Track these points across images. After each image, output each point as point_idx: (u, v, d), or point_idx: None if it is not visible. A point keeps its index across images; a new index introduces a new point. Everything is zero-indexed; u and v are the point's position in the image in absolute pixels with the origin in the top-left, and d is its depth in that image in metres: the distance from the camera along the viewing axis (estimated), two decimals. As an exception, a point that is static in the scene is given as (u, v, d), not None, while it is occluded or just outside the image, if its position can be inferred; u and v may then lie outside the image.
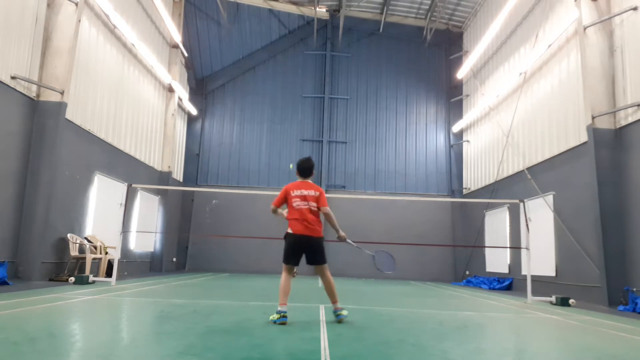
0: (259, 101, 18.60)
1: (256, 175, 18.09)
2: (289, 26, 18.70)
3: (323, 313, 5.42)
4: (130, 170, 12.58)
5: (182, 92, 16.32)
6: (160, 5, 13.05)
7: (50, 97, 8.80)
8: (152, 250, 14.78)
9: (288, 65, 18.85)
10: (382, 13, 18.40)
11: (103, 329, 3.89)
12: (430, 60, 18.97)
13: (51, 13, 9.05)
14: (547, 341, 4.26)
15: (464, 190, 17.76)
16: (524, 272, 11.03)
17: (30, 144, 8.59)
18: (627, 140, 8.64)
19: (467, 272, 16.34)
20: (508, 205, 13.61)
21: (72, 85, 9.43)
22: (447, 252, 17.37)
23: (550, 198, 11.16)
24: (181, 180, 17.52)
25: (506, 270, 13.41)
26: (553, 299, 8.28)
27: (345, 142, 18.32)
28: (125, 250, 12.27)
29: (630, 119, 8.55)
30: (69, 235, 9.52)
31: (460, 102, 18.38)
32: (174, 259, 16.84)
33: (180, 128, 17.46)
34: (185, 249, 17.37)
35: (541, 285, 10.87)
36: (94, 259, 9.75)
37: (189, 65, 17.54)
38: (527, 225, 9.01)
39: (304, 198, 4.74)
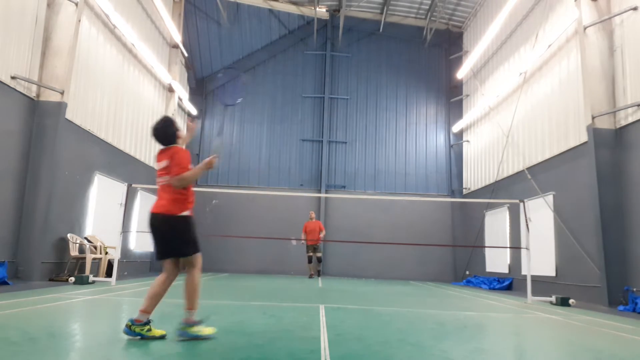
0: (259, 101, 18.60)
1: (256, 175, 18.08)
2: (289, 26, 18.69)
3: (323, 313, 5.42)
4: (130, 170, 12.58)
5: (182, 92, 16.32)
6: (160, 5, 13.05)
7: (50, 97, 8.80)
8: (152, 250, 14.76)
9: (288, 65, 18.85)
10: (382, 13, 18.40)
11: (103, 329, 3.89)
12: (430, 60, 18.97)
13: (51, 13, 9.05)
14: (547, 341, 4.26)
15: (464, 190, 17.76)
16: (524, 272, 11.03)
17: (30, 144, 8.59)
18: (627, 140, 8.64)
19: (467, 272, 16.34)
20: (508, 205, 13.61)
21: (72, 85, 9.43)
22: (447, 252, 17.37)
23: (550, 198, 11.16)
24: (181, 180, 17.49)
25: (506, 270, 13.41)
26: (553, 299, 8.29)
27: (345, 142, 18.32)
28: (125, 250, 12.27)
29: (630, 119, 8.56)
30: (69, 235, 9.52)
31: (460, 102, 18.38)
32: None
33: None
34: (185, 249, 17.32)
35: (541, 285, 10.87)
36: (94, 259, 9.75)
37: (189, 65, 17.54)
38: (527, 225, 9.01)
39: (158, 173, 3.71)
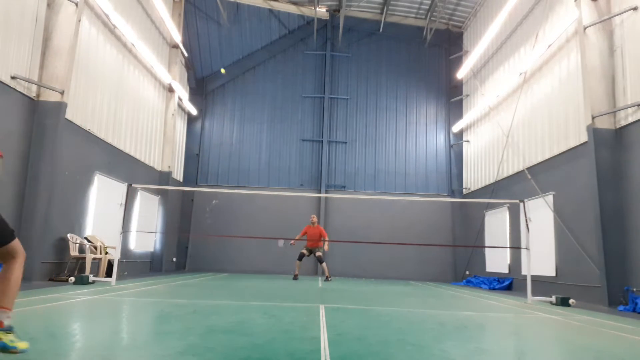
0: (259, 101, 18.61)
1: (256, 175, 18.09)
2: (289, 26, 18.70)
3: (323, 313, 5.42)
4: (130, 170, 12.59)
5: (182, 92, 16.32)
6: (160, 5, 13.05)
7: (50, 97, 8.80)
8: (152, 250, 14.79)
9: (288, 65, 18.86)
10: (382, 13, 18.41)
11: (103, 329, 3.89)
12: (430, 60, 18.97)
13: (51, 13, 9.05)
14: (547, 341, 4.26)
15: (464, 190, 17.76)
16: (524, 272, 11.03)
17: (30, 144, 8.59)
18: (627, 140, 8.64)
19: (467, 272, 16.34)
20: (508, 205, 13.61)
21: (72, 85, 9.43)
22: (447, 252, 17.37)
23: (550, 198, 11.16)
24: (181, 180, 17.52)
25: (506, 270, 13.41)
26: (553, 299, 8.29)
27: (345, 142, 18.33)
28: (125, 250, 12.27)
29: (630, 119, 8.56)
30: (69, 235, 9.52)
31: (460, 102, 18.38)
32: (174, 259, 16.83)
33: (180, 128, 17.47)
34: (185, 249, 17.37)
35: (541, 285, 10.87)
36: (94, 259, 9.75)
37: (189, 65, 17.54)
38: (527, 225, 9.01)
39: None
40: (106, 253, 10.21)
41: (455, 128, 18.26)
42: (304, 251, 13.05)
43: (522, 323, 5.58)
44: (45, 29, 8.94)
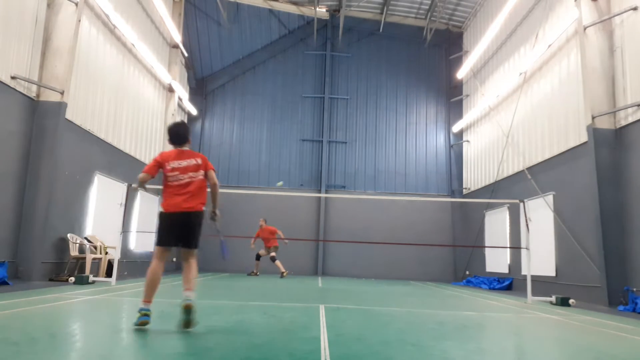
0: (259, 101, 18.60)
1: (256, 175, 18.08)
2: (289, 26, 18.69)
3: (323, 313, 5.42)
4: (130, 170, 12.57)
5: (182, 92, 16.32)
6: (160, 5, 13.05)
7: (50, 97, 8.80)
8: (152, 250, 14.77)
9: (288, 65, 18.85)
10: (382, 13, 18.40)
11: (103, 329, 3.89)
12: (430, 60, 18.97)
13: (51, 13, 9.04)
14: (547, 341, 4.26)
15: (463, 190, 17.76)
16: (524, 272, 11.03)
17: (31, 144, 8.59)
18: (627, 140, 8.64)
19: (467, 272, 16.34)
20: (508, 205, 13.61)
21: (72, 85, 9.42)
22: (447, 252, 17.37)
23: (550, 198, 11.16)
24: (181, 180, 17.48)
25: (506, 270, 13.41)
26: (553, 299, 8.29)
27: (345, 142, 18.32)
28: (125, 250, 12.26)
29: (630, 119, 8.56)
30: (69, 235, 9.52)
31: (460, 102, 18.38)
32: (174, 259, 16.82)
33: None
34: (185, 249, 17.33)
35: (541, 285, 10.87)
36: (94, 259, 9.75)
37: (189, 65, 17.54)
38: (527, 225, 9.01)
39: (183, 170, 4.14)
40: (106, 253, 10.21)
41: (455, 128, 18.25)
42: (263, 251, 14.15)
43: (522, 323, 5.58)
44: (45, 29, 8.94)
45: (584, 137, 9.60)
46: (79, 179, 10.15)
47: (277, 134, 18.39)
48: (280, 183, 7.80)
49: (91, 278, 8.42)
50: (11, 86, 8.00)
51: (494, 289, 12.95)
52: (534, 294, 8.85)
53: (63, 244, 9.44)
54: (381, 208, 17.50)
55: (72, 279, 8.16)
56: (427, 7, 17.89)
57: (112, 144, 11.65)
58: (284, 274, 13.51)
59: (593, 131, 8.98)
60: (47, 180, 8.61)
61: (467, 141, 17.80)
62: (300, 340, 3.59)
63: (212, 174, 4.32)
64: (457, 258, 17.25)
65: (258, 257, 14.19)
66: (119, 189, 11.04)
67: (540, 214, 11.33)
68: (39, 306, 5.03)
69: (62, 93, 8.86)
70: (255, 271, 14.16)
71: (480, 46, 14.86)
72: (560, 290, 10.03)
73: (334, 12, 18.75)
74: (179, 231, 4.17)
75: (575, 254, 9.98)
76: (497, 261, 14.19)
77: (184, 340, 3.38)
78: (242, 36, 18.22)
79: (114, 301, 5.95)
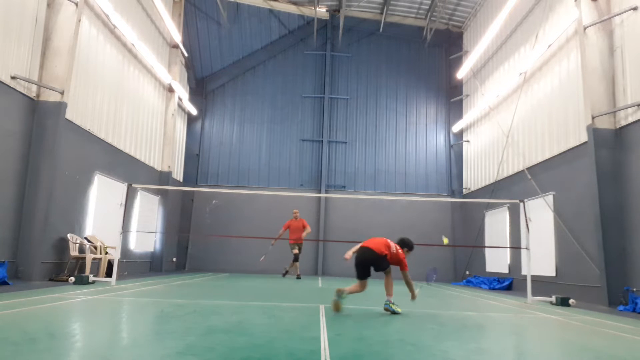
0: (259, 101, 18.61)
1: (256, 175, 18.08)
2: (289, 26, 18.69)
3: (323, 313, 5.42)
4: (130, 170, 12.58)
5: (182, 92, 16.32)
6: (160, 5, 13.05)
7: (50, 97, 8.80)
8: (152, 250, 14.78)
9: (288, 65, 18.85)
10: (382, 13, 18.40)
11: (103, 329, 3.89)
12: (430, 60, 18.97)
13: (51, 13, 9.05)
14: (547, 341, 4.26)
15: (464, 190, 17.76)
16: (524, 272, 11.03)
17: (30, 144, 8.59)
18: (627, 140, 8.64)
19: (467, 272, 16.34)
20: (508, 205, 13.61)
21: (72, 85, 9.43)
22: (447, 252, 17.37)
23: (550, 198, 11.16)
24: (181, 180, 17.52)
25: (506, 270, 13.41)
26: (553, 299, 8.29)
27: (345, 142, 18.32)
28: (125, 250, 12.26)
29: (630, 119, 8.56)
30: (69, 235, 9.52)
31: (460, 102, 18.38)
32: (174, 259, 16.84)
33: (180, 128, 17.47)
34: (185, 249, 17.37)
35: (541, 285, 10.87)
36: (94, 259, 9.75)
37: (189, 65, 17.54)
38: (527, 225, 9.01)
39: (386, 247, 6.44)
40: (106, 253, 10.21)
41: (455, 128, 18.25)
42: (296, 250, 13.29)
43: (522, 323, 5.58)
44: (45, 29, 8.94)
45: (584, 137, 9.60)
46: (79, 179, 10.16)
47: (277, 134, 18.39)
48: (446, 240, 7.50)
49: (91, 278, 8.42)
50: (11, 86, 8.01)
51: (494, 289, 12.95)
52: (534, 294, 8.85)
53: (63, 244, 9.44)
54: (381, 208, 17.50)
55: (72, 279, 8.16)
56: (427, 7, 17.89)
57: (112, 144, 11.65)
58: (299, 276, 13.39)
59: (593, 131, 8.98)
60: (47, 180, 8.61)
61: (467, 141, 17.80)
62: (300, 340, 3.59)
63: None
64: (457, 258, 17.25)
65: (296, 258, 13.28)
66: (119, 189, 11.05)
67: (540, 214, 11.33)
68: (39, 306, 5.03)
69: (62, 93, 8.86)
70: (297, 273, 13.41)
71: (480, 46, 14.86)
72: (560, 290, 10.03)
73: (334, 12, 18.76)
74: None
75: (575, 254, 9.98)
76: (497, 261, 14.19)
77: (184, 340, 3.38)
78: (242, 36, 18.22)
79: (114, 301, 5.95)
